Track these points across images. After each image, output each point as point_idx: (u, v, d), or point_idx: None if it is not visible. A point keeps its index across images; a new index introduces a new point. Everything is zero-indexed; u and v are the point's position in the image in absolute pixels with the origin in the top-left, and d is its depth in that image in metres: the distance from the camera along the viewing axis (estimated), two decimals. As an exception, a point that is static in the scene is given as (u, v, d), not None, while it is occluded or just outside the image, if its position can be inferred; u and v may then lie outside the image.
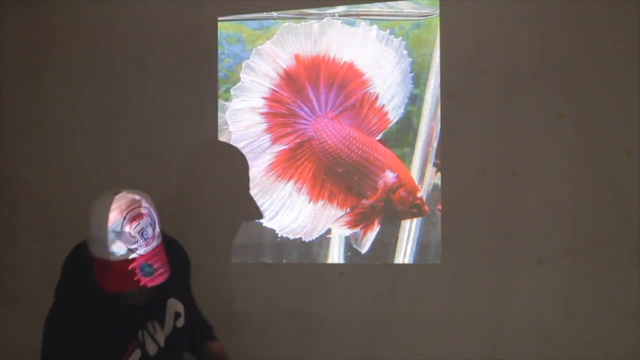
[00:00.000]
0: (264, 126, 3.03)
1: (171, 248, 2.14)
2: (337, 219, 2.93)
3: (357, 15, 2.92)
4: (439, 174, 2.81)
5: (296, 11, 2.99)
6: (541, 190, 2.66)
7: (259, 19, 3.04)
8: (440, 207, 2.80)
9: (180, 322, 2.24)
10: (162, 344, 2.18)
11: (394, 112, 2.87)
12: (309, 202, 2.97)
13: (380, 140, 2.89)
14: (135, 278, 1.96)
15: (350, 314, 2.86)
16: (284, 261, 3.01)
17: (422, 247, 2.83)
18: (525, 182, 2.67)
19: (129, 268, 1.96)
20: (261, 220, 3.00)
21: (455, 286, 2.73)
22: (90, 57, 3.25)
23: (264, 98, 3.03)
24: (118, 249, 1.95)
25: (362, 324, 2.85)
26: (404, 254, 2.85)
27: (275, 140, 3.02)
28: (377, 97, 2.89)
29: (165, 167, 3.10)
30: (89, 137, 3.25)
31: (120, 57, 3.22)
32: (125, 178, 3.05)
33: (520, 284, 2.67)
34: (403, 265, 2.85)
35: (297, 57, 2.99)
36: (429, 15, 2.84)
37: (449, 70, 2.81)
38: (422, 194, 2.83)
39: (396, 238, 2.86)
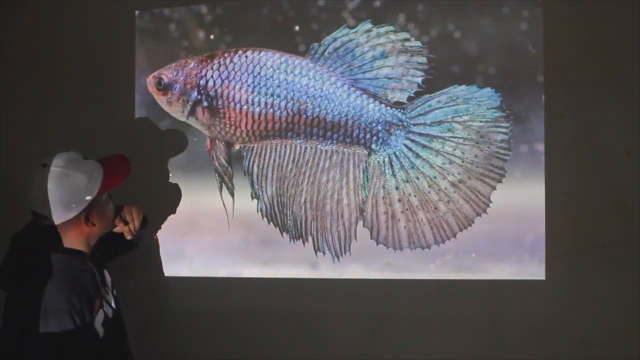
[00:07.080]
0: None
1: None
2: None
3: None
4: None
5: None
6: (540, 190, 2.66)
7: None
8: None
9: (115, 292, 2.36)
10: (114, 305, 2.29)
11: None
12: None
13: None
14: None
15: (351, 313, 2.86)
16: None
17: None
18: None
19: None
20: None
21: (455, 286, 2.74)
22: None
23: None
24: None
25: (362, 324, 2.86)
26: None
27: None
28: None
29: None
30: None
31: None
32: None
33: (519, 284, 2.67)
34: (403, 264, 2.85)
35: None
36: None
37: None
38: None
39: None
